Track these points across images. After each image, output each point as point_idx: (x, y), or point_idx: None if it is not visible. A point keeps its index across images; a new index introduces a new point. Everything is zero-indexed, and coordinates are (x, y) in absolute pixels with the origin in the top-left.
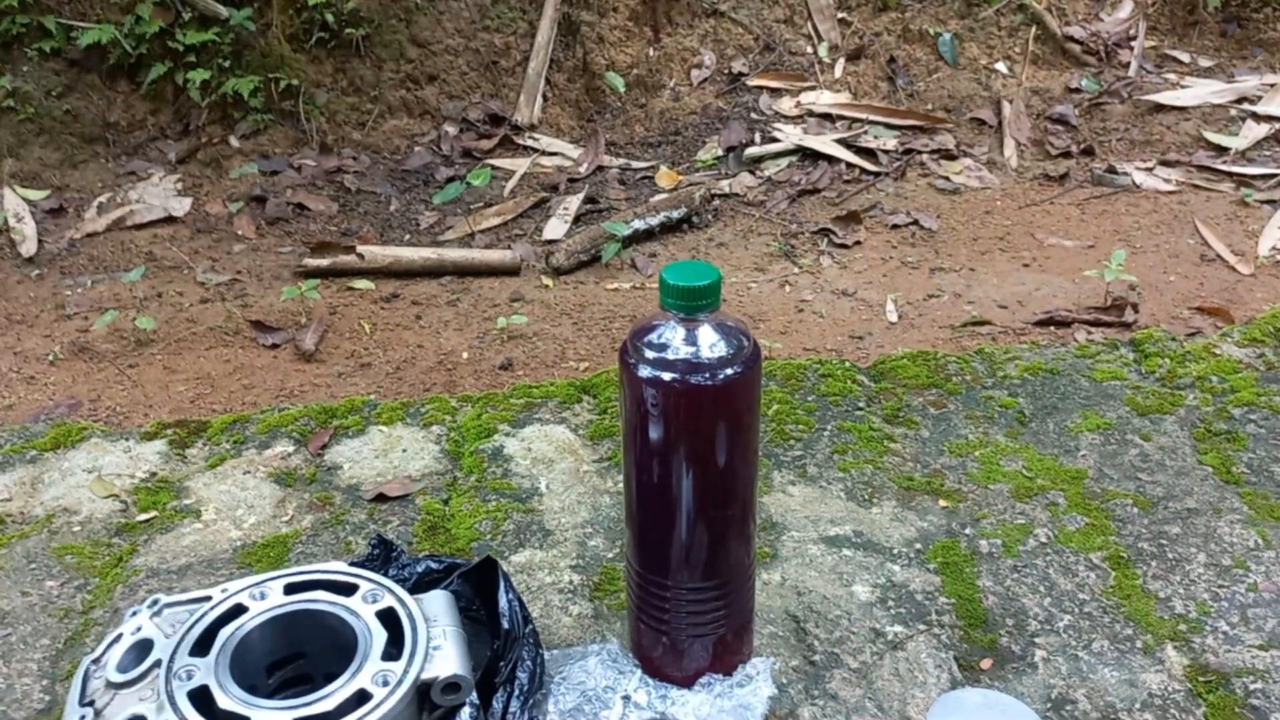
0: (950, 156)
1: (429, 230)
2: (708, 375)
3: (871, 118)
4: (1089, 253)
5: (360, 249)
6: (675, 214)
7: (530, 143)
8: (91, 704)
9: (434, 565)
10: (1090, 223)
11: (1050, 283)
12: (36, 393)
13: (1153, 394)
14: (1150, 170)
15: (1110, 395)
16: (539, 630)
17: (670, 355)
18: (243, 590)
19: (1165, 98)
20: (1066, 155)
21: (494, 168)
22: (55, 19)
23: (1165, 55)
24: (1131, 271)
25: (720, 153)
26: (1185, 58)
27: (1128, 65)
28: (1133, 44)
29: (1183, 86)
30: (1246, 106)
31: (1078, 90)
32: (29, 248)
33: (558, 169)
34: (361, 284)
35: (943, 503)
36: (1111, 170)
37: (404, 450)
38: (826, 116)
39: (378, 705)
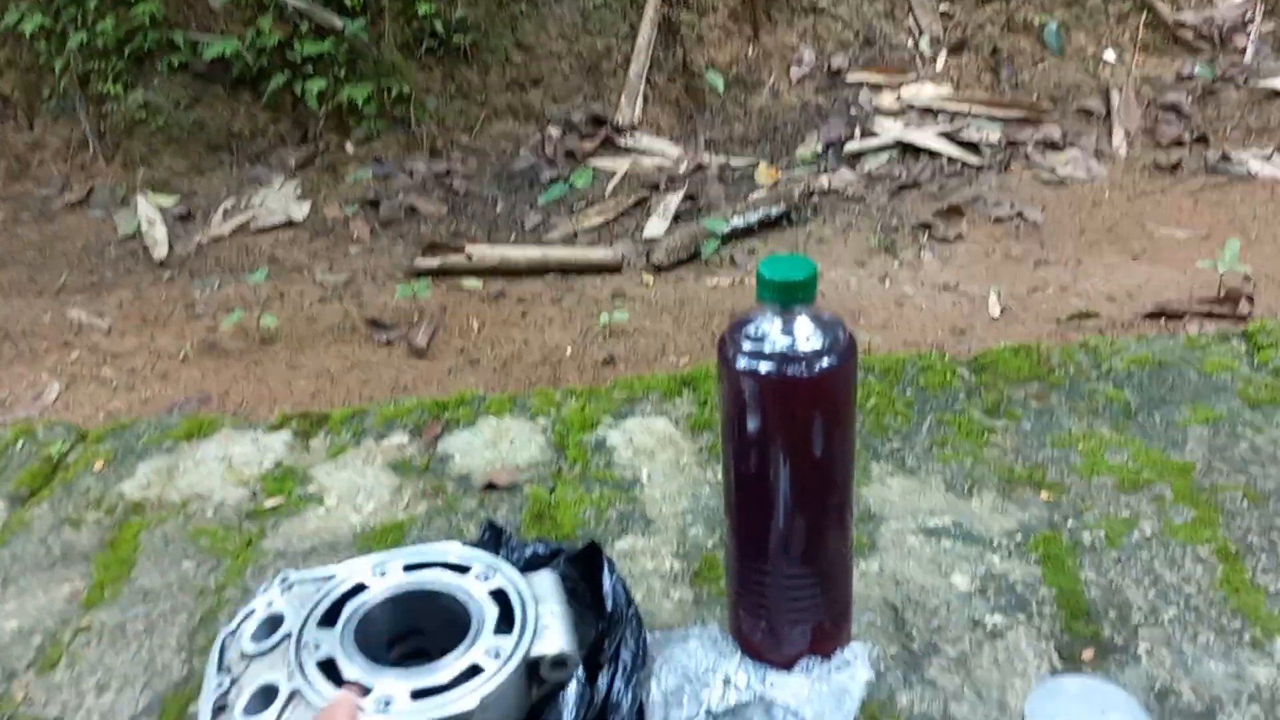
0: (1056, 148)
1: (533, 230)
2: (804, 367)
3: (974, 110)
4: (1202, 244)
5: (469, 249)
6: (774, 210)
7: (631, 143)
8: (229, 672)
9: (541, 549)
10: (1203, 213)
11: (1161, 275)
12: (170, 388)
13: (1265, 387)
14: (1267, 158)
15: (1220, 388)
16: (641, 614)
17: (767, 348)
18: (365, 568)
19: None
20: (1179, 144)
21: (596, 168)
22: (183, 33)
23: None
24: (1247, 262)
25: (819, 148)
26: None
27: (1243, 50)
28: (1249, 28)
29: None
30: None
31: (1190, 77)
32: (160, 252)
33: (658, 168)
34: (470, 283)
35: (1044, 495)
36: (1226, 158)
37: (511, 441)
38: (928, 110)
39: (490, 678)
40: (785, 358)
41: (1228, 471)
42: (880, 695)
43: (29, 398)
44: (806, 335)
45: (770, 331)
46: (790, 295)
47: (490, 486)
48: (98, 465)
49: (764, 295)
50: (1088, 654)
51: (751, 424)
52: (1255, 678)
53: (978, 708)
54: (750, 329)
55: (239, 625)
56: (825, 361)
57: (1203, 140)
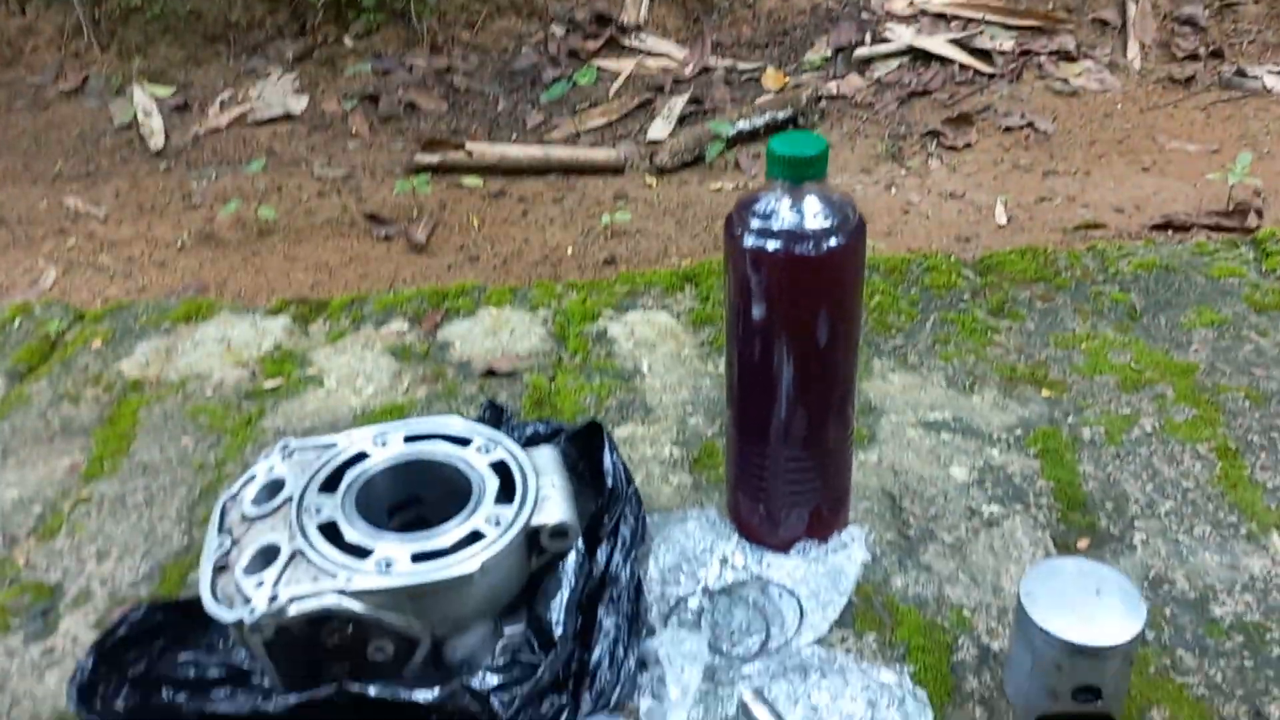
0: (1070, 58)
1: (535, 129)
2: (812, 245)
3: (988, 18)
4: (1213, 157)
5: (469, 146)
6: (781, 115)
7: (636, 43)
8: (230, 533)
9: (541, 428)
10: (1215, 127)
11: (1170, 187)
12: (167, 277)
13: (1273, 292)
14: None
15: (1227, 292)
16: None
17: (775, 225)
18: (366, 437)
19: None
20: (1194, 58)
21: (600, 68)
22: None
23: None
24: (1257, 176)
25: (829, 53)
26: None
27: None
28: None
29: None
30: None
31: None
32: (157, 142)
33: (663, 70)
34: (470, 181)
35: (1046, 392)
36: (1241, 73)
37: (512, 331)
38: (940, 16)
39: (490, 544)
40: (794, 235)
41: (1230, 373)
42: (875, 578)
43: (26, 283)
44: (815, 213)
45: (779, 208)
46: (801, 171)
47: (490, 373)
48: (96, 344)
49: (774, 171)
50: (1083, 543)
51: (757, 303)
52: (1249, 569)
53: (971, 591)
54: (759, 206)
55: (240, 489)
56: (834, 240)
57: (1218, 54)
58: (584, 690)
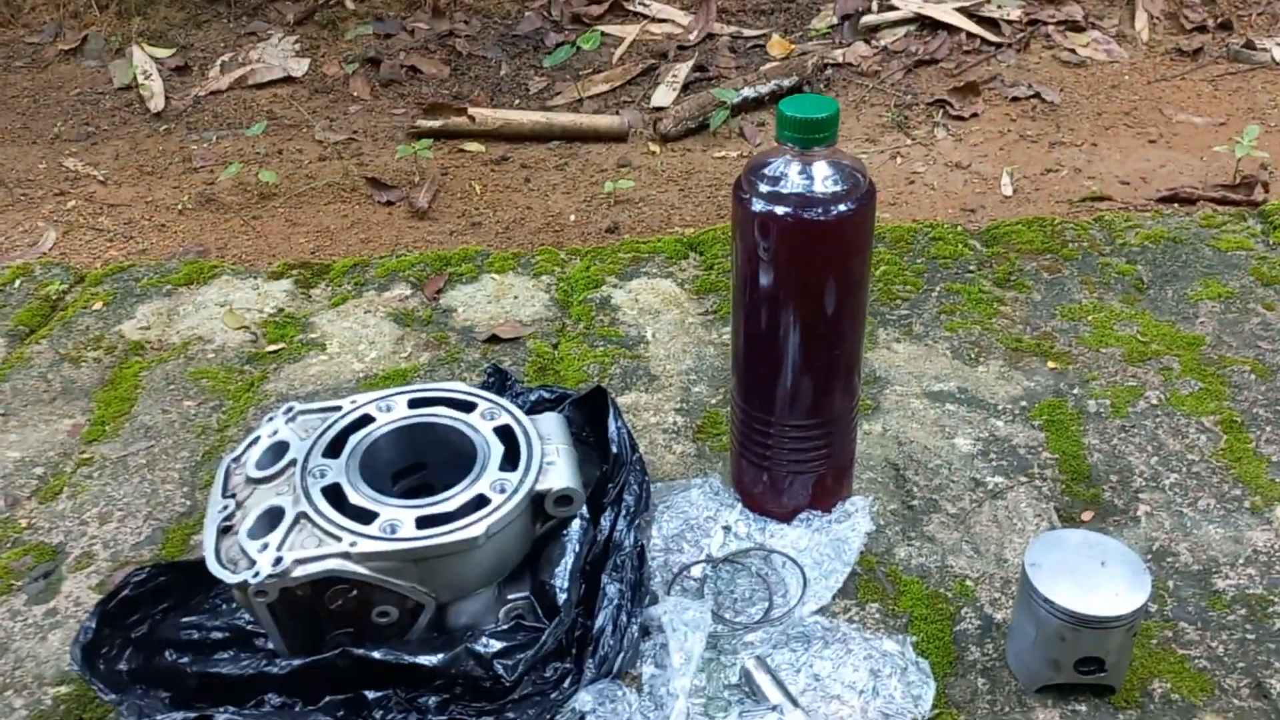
0: (1078, 28)
1: (538, 95)
2: (821, 210)
3: None
4: (1220, 130)
5: (471, 111)
6: (786, 83)
7: (640, 9)
8: (233, 496)
9: (546, 394)
10: (1223, 100)
11: (1176, 159)
12: (168, 239)
13: None
14: None
15: (1234, 265)
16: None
17: (784, 189)
18: (370, 402)
19: None
20: (1202, 29)
21: (604, 33)
22: None
23: None
24: (1264, 149)
25: (835, 21)
26: None
27: None
28: None
29: None
30: None
31: None
32: (157, 103)
33: (667, 36)
34: (472, 146)
35: (1051, 364)
36: (1250, 45)
37: (515, 297)
38: None
39: (495, 509)
40: (803, 200)
41: (1237, 346)
42: (879, 548)
43: (25, 244)
44: (825, 178)
45: (788, 173)
46: (811, 134)
47: (494, 339)
48: (96, 306)
49: (784, 135)
50: (1087, 516)
51: (764, 269)
52: (1253, 542)
53: (975, 562)
54: (768, 169)
55: (244, 452)
56: (844, 205)
57: (1226, 26)
58: (587, 656)
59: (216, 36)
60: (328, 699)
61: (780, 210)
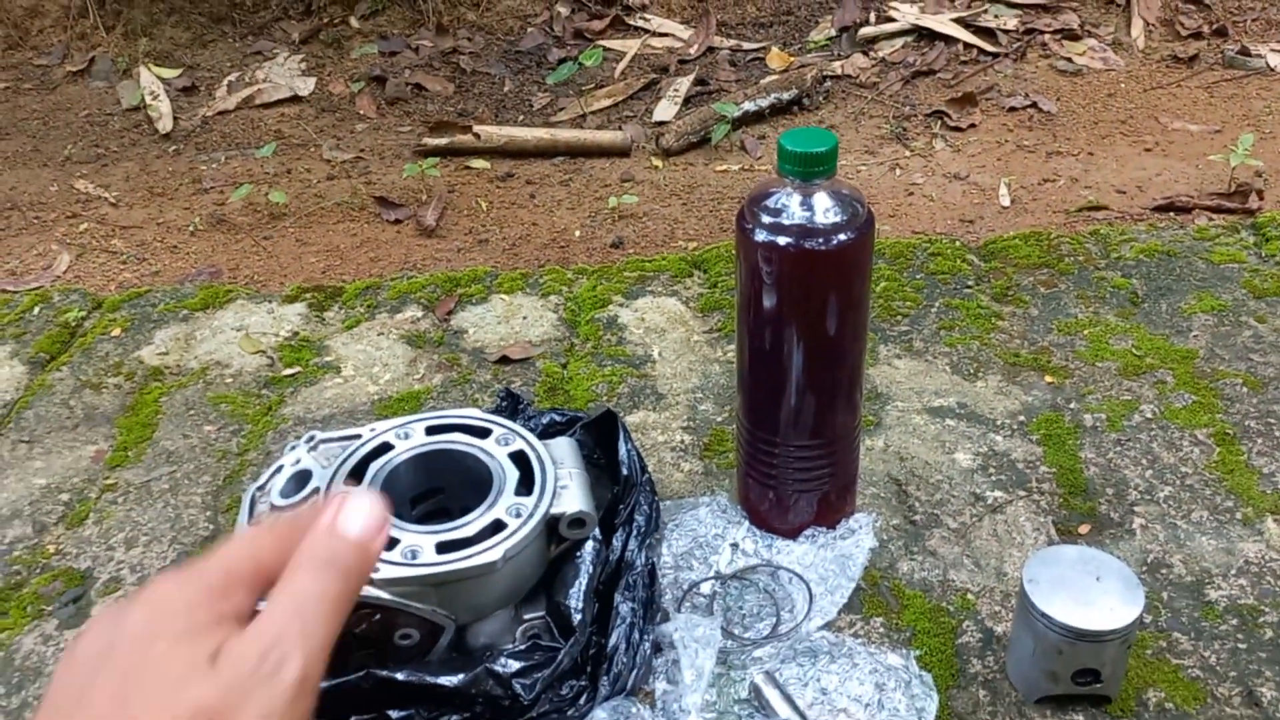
0: (1074, 37)
1: (542, 111)
2: (822, 240)
3: None
4: (1215, 138)
5: (477, 129)
6: (786, 96)
7: (641, 23)
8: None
9: (558, 417)
10: (1218, 107)
11: (1172, 168)
12: (180, 261)
13: (1272, 277)
14: None
15: (1227, 278)
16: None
17: (786, 220)
18: (389, 430)
19: None
20: (1197, 36)
21: (605, 49)
22: None
23: None
24: (1259, 157)
25: (833, 33)
26: None
27: None
28: None
29: None
30: None
31: None
32: (165, 124)
33: (668, 50)
34: (478, 163)
35: (1048, 379)
36: (1244, 52)
37: (524, 317)
38: None
39: (512, 533)
40: (804, 230)
41: (1229, 359)
42: (882, 563)
43: (40, 267)
44: (825, 208)
45: (789, 204)
46: (811, 168)
47: (504, 360)
48: (115, 332)
49: (785, 168)
50: (1084, 529)
51: (768, 295)
52: (1245, 553)
53: (976, 576)
54: (769, 201)
55: (268, 480)
56: (844, 235)
57: (1221, 33)
58: (602, 674)
59: (223, 56)
60: (353, 719)
61: (783, 241)
